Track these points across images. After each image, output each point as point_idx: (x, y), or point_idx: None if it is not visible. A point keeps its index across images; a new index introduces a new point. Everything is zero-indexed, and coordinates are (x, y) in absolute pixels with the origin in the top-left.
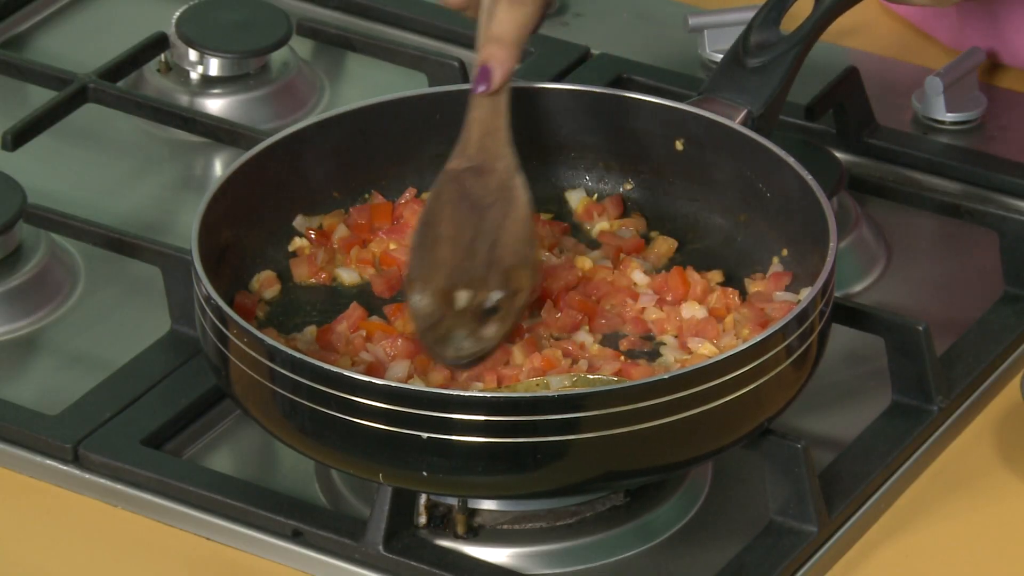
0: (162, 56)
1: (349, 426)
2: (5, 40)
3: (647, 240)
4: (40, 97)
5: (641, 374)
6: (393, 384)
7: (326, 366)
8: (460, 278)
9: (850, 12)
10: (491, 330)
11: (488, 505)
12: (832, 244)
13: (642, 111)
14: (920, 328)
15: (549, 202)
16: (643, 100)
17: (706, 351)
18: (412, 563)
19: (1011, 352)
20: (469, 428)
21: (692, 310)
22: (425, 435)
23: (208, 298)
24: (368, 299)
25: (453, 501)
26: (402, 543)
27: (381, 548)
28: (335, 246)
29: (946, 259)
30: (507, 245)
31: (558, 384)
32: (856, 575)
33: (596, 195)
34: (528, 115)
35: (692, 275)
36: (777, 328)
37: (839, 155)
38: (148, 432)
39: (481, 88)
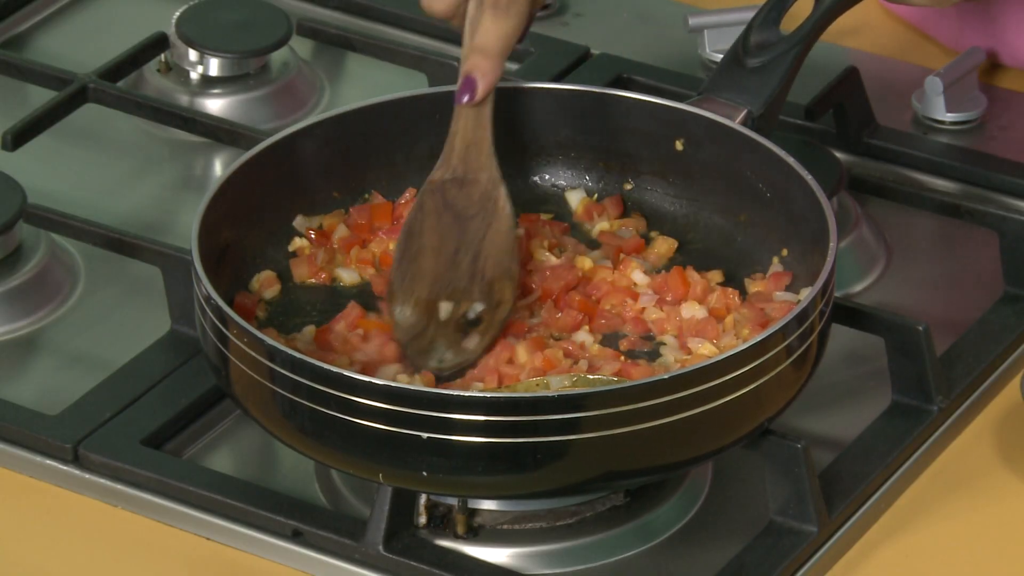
0: (162, 56)
1: (349, 426)
2: (5, 40)
3: (647, 240)
4: (40, 97)
5: (641, 374)
6: (393, 384)
7: (326, 366)
8: (443, 289)
9: (850, 12)
10: (473, 342)
11: (488, 505)
12: (832, 244)
13: (642, 111)
14: (920, 328)
15: (549, 202)
16: (643, 100)
17: (706, 351)
18: (412, 563)
19: (1011, 352)
20: (469, 428)
21: (692, 310)
22: (425, 435)
23: (208, 298)
24: (367, 299)
25: (453, 501)
26: (402, 543)
27: (381, 548)
28: (335, 246)
29: (946, 259)
30: (490, 256)
31: (558, 384)
32: (856, 575)
33: (596, 195)
34: (528, 115)
35: (692, 275)
36: (777, 328)
37: (839, 155)
38: (148, 432)
39: (465, 99)
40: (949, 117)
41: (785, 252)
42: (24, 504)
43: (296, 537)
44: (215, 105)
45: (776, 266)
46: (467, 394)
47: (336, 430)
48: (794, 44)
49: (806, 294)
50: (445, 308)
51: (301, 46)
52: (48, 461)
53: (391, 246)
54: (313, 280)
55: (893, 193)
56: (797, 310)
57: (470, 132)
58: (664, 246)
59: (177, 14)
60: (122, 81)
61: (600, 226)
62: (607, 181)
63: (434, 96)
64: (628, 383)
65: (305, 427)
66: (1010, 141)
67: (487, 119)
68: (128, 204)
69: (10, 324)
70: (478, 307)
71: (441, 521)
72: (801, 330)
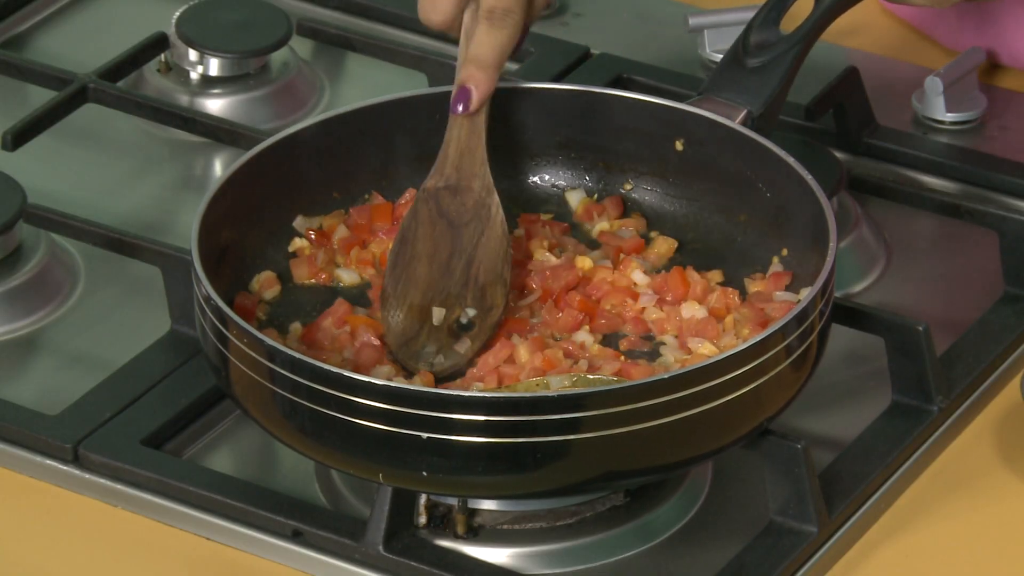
0: (162, 56)
1: (349, 426)
2: (5, 40)
3: (647, 240)
4: (40, 97)
5: (641, 374)
6: (393, 384)
7: (326, 366)
8: (436, 295)
9: (850, 12)
10: (464, 346)
11: (488, 505)
12: (832, 244)
13: (642, 111)
14: (920, 328)
15: (549, 202)
16: (643, 100)
17: (706, 351)
18: (412, 563)
19: (1011, 352)
20: (469, 428)
21: (692, 310)
22: (425, 435)
23: (208, 298)
24: (358, 297)
25: (453, 501)
26: (402, 543)
27: (381, 548)
28: (335, 247)
29: (946, 259)
30: (483, 262)
31: (558, 384)
32: (856, 575)
33: (596, 195)
34: (528, 115)
35: (692, 275)
36: (777, 328)
37: (839, 155)
38: (148, 432)
39: (459, 109)
40: (949, 117)
41: (785, 252)
42: (24, 504)
43: (296, 537)
44: (215, 105)
45: (776, 266)
46: (467, 394)
47: (336, 430)
48: (794, 44)
49: (806, 294)
50: (438, 313)
51: (301, 46)
52: (48, 461)
53: (391, 246)
54: (313, 281)
55: (893, 193)
56: (797, 310)
57: (464, 140)
58: (664, 246)
59: (177, 14)
60: (122, 81)
61: (600, 226)
62: (607, 181)
63: (434, 96)
64: (628, 383)
65: (305, 427)
66: (1010, 141)
67: (482, 127)
68: (128, 204)
69: (10, 324)
70: (470, 312)
71: (441, 521)
72: (801, 330)
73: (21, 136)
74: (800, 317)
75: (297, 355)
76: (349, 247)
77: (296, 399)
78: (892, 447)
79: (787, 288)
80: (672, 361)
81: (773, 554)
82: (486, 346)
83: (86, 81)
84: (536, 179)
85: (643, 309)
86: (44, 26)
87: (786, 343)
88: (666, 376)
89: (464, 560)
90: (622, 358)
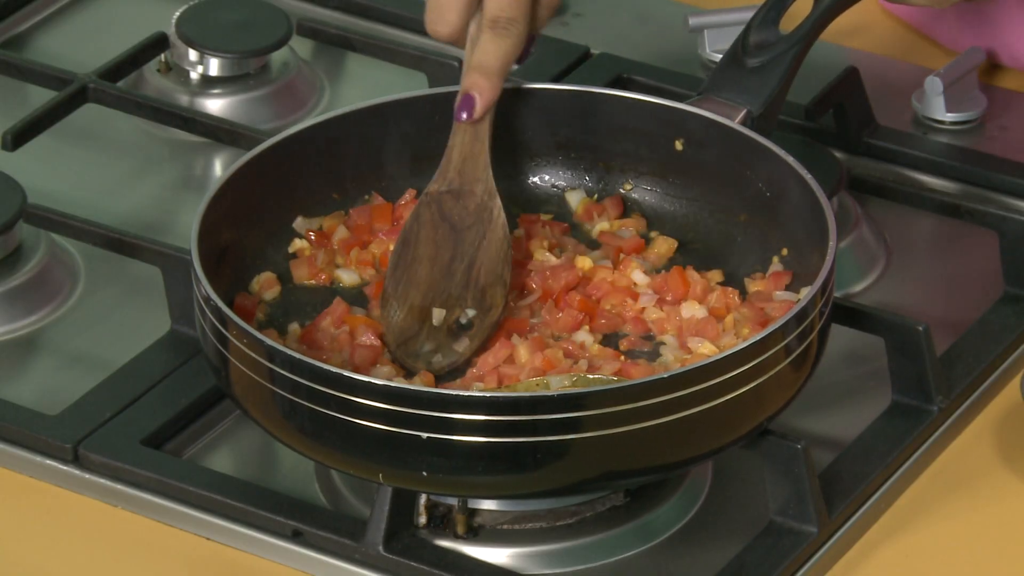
0: (162, 56)
1: (349, 426)
2: (5, 40)
3: (647, 240)
4: (40, 97)
5: (641, 374)
6: (393, 384)
7: (326, 367)
8: (437, 296)
9: (850, 12)
10: (463, 345)
11: (488, 505)
12: (832, 243)
13: (642, 111)
14: (920, 328)
15: (549, 202)
16: (643, 100)
17: (706, 350)
18: (412, 563)
19: (1011, 352)
20: (469, 428)
21: (692, 310)
22: (425, 435)
23: (208, 299)
24: (357, 297)
25: (453, 501)
26: (402, 543)
27: (381, 548)
28: (335, 247)
29: (946, 259)
30: (484, 264)
31: (558, 384)
32: (856, 575)
33: (596, 195)
34: (528, 115)
35: (692, 275)
36: (776, 327)
37: (839, 155)
38: (148, 432)
39: (463, 116)
40: (949, 117)
41: (785, 252)
42: (24, 504)
43: (296, 537)
44: (215, 105)
45: (776, 266)
46: (467, 394)
47: (336, 430)
48: (793, 44)
49: (806, 293)
50: (438, 314)
51: (301, 46)
52: (48, 461)
53: (391, 247)
54: (313, 281)
55: (893, 193)
56: (796, 309)
57: (468, 146)
58: (664, 246)
59: (177, 14)
60: (122, 81)
61: (600, 226)
62: (607, 181)
63: (434, 97)
64: (628, 383)
65: (305, 427)
66: (1010, 141)
67: (485, 133)
68: (128, 204)
69: (10, 324)
70: (470, 313)
71: (441, 521)
72: (800, 329)
73: (21, 136)
74: (800, 316)
75: (297, 355)
76: (349, 248)
77: (296, 399)
78: (892, 447)
79: (787, 288)
80: (672, 361)
81: (773, 554)
82: (484, 345)
83: (86, 81)
84: (536, 179)
85: (643, 309)
86: (44, 26)
87: (786, 343)
88: (666, 376)
89: (464, 560)
90: (622, 358)
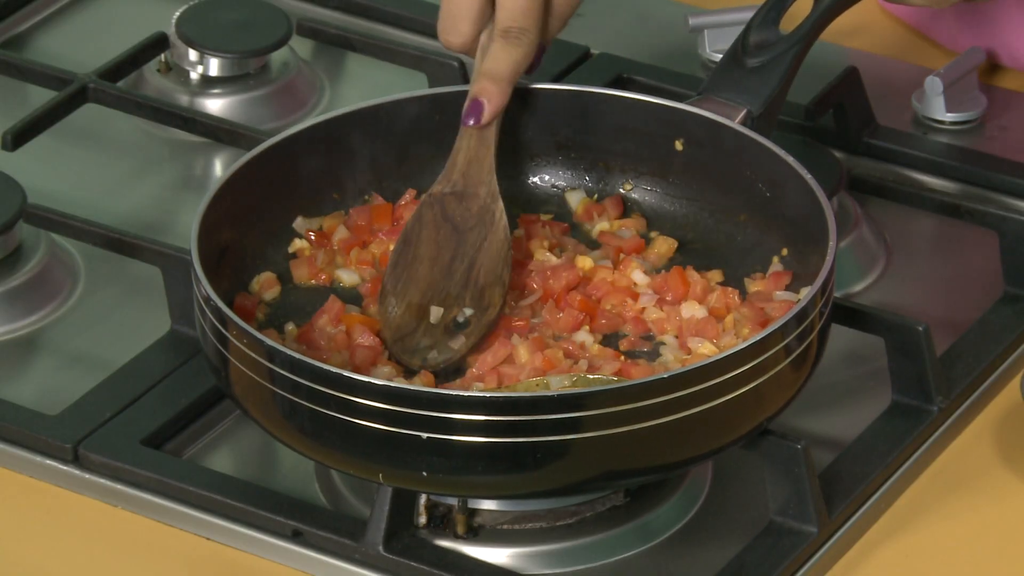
0: (162, 56)
1: (349, 426)
2: (5, 40)
3: (647, 240)
4: (40, 97)
5: (641, 374)
6: (393, 384)
7: (326, 367)
8: (435, 295)
9: (850, 12)
10: (459, 342)
11: (488, 505)
12: (832, 243)
13: (642, 111)
14: (920, 328)
15: (549, 202)
16: (643, 100)
17: (706, 351)
18: (412, 563)
19: (1011, 352)
20: (469, 428)
21: (692, 310)
22: (425, 435)
23: (208, 299)
24: (356, 297)
25: (453, 501)
26: (402, 543)
27: (381, 548)
28: (335, 247)
29: (946, 259)
30: (484, 266)
31: (558, 384)
32: (856, 575)
33: (596, 195)
34: (528, 115)
35: (692, 275)
36: (776, 327)
37: (839, 155)
38: (148, 432)
39: (471, 121)
40: (949, 117)
41: (785, 252)
42: (24, 504)
43: (296, 537)
44: (215, 105)
45: (776, 266)
46: (467, 394)
47: (336, 430)
48: (793, 44)
49: (805, 293)
50: (436, 313)
51: (301, 46)
52: (48, 461)
53: (391, 247)
54: (313, 281)
55: (893, 193)
56: (796, 309)
57: (473, 150)
58: (664, 246)
59: (177, 14)
60: (122, 81)
61: (600, 226)
62: (607, 181)
63: (435, 97)
64: (628, 383)
65: (305, 427)
66: (1010, 141)
67: (491, 138)
68: (128, 204)
69: (10, 324)
70: (467, 312)
71: (441, 521)
72: (800, 329)
73: (21, 136)
74: (800, 316)
75: (297, 355)
76: (349, 248)
77: (296, 399)
78: (892, 447)
79: (787, 288)
80: (672, 361)
81: (773, 554)
82: (483, 345)
83: (86, 81)
84: (536, 179)
85: (643, 309)
86: (44, 26)
87: (786, 342)
88: (666, 376)
89: (464, 560)
90: (622, 358)
